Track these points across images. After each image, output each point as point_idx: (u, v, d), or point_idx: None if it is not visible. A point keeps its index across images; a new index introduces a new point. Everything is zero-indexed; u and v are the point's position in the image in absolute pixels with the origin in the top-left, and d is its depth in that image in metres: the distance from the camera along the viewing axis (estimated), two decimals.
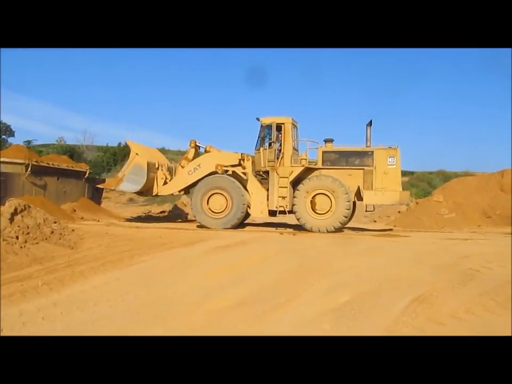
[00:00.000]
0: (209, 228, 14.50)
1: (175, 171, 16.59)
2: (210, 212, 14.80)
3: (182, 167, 15.92)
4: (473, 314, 5.21)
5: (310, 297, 5.98)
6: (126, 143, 17.81)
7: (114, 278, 6.96)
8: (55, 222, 9.60)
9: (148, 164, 15.40)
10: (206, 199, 14.82)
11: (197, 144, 16.32)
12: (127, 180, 15.46)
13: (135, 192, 16.04)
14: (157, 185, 15.86)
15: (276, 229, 15.15)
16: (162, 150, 69.12)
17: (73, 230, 10.15)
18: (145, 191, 15.93)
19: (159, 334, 4.64)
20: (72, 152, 44.30)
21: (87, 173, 18.58)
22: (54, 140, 54.88)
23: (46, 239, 8.77)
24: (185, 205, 22.63)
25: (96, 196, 19.26)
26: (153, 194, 16.12)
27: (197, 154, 16.30)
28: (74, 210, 16.92)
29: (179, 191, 16.17)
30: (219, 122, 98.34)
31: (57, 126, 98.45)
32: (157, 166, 15.89)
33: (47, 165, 16.52)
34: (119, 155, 62.94)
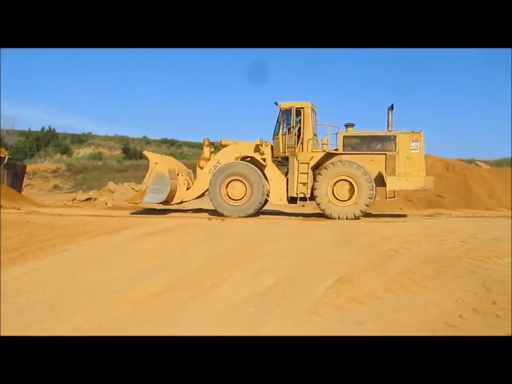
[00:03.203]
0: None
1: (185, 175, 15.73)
2: (228, 199, 14.18)
3: (201, 167, 15.21)
4: (391, 293, 5.43)
5: (235, 282, 6.02)
6: (143, 154, 16.71)
7: (35, 269, 6.72)
8: None
9: (169, 171, 14.68)
10: (225, 186, 14.18)
11: (210, 141, 15.66)
12: (151, 190, 14.41)
13: (160, 203, 14.97)
14: (180, 191, 15.04)
15: (289, 217, 14.80)
16: (89, 135, 67.58)
17: None
18: (170, 199, 14.93)
19: (81, 324, 4.55)
20: None
21: (6, 158, 17.65)
22: None
23: None
24: (112, 192, 22.11)
25: (16, 183, 18.43)
26: (178, 201, 15.25)
27: (212, 152, 15.68)
28: None
29: (205, 192, 15.28)
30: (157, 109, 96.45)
31: None
32: (177, 172, 15.07)
33: None
34: (42, 140, 60.65)
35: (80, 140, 66.07)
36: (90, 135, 69.04)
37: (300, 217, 14.46)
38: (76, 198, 22.54)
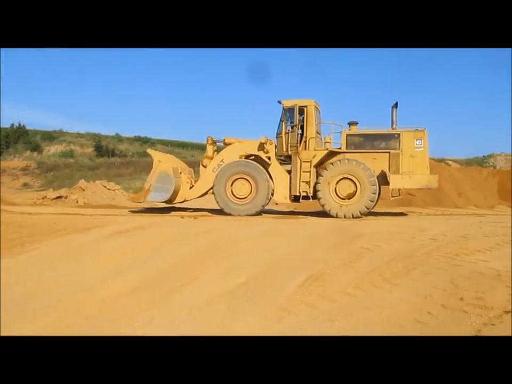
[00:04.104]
0: (230, 214, 13.64)
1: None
2: (233, 197, 13.91)
3: (205, 166, 14.82)
4: (362, 290, 5.49)
5: (207, 280, 6.01)
6: (147, 152, 16.40)
7: (3, 268, 6.58)
8: None
9: (173, 169, 14.38)
10: (230, 184, 13.92)
11: (214, 140, 15.37)
12: (155, 189, 14.06)
13: (164, 202, 14.63)
14: (183, 190, 14.67)
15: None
16: (60, 132, 66.58)
17: None
18: (173, 198, 14.59)
19: (48, 324, 4.49)
20: None
21: None
22: None
23: None
24: (84, 190, 21.79)
25: None
26: (181, 200, 14.89)
27: (215, 150, 15.39)
28: None
29: (208, 191, 14.87)
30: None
31: None
32: (180, 170, 14.71)
33: None
34: (11, 137, 59.47)
35: (51, 137, 65.02)
36: (62, 132, 68.03)
37: (277, 215, 14.47)
38: (46, 196, 22.10)
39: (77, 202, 20.25)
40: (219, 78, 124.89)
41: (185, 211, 15.07)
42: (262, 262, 6.83)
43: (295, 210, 17.47)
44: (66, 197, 21.22)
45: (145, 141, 67.35)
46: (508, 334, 4.02)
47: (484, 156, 51.38)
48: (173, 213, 14.39)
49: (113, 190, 22.93)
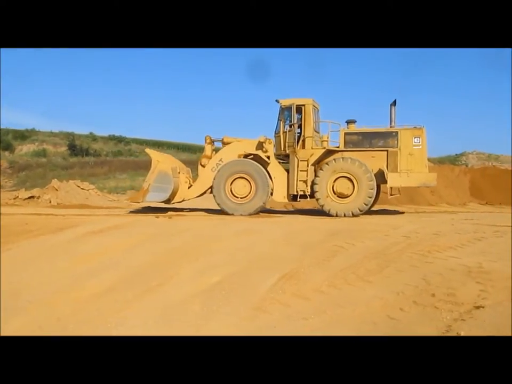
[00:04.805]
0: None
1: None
2: (233, 197, 13.84)
3: (203, 166, 14.73)
4: (335, 287, 5.54)
5: (181, 279, 5.99)
6: (145, 152, 16.10)
7: None
8: None
9: (172, 169, 14.18)
10: (229, 184, 13.85)
11: (212, 139, 15.23)
12: (153, 189, 13.87)
13: (163, 201, 14.40)
14: (182, 190, 14.55)
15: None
16: (33, 131, 65.46)
17: None
18: (172, 198, 14.35)
19: (19, 326, 4.42)
20: None
21: None
22: None
23: None
24: (57, 189, 21.48)
25: None
26: (180, 200, 14.72)
27: (213, 149, 15.24)
28: None
29: (206, 191, 14.77)
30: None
31: None
32: (178, 170, 14.55)
33: None
34: None
35: (23, 136, 63.91)
36: (34, 131, 66.87)
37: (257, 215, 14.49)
38: (18, 196, 21.71)
39: (50, 202, 19.95)
40: (219, 78, 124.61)
41: (182, 211, 14.99)
42: (236, 261, 6.83)
43: (291, 209, 17.54)
44: (38, 197, 20.87)
45: (120, 140, 66.66)
46: (478, 329, 4.11)
47: (456, 154, 52.25)
48: (149, 213, 14.27)
49: (87, 190, 22.64)
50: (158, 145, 65.76)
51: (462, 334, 4.05)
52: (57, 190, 21.72)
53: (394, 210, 16.60)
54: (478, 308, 4.55)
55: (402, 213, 15.64)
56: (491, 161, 42.75)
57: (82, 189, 22.53)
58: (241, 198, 13.88)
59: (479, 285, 5.13)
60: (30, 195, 21.30)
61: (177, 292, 5.49)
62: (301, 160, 13.78)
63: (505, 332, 4.00)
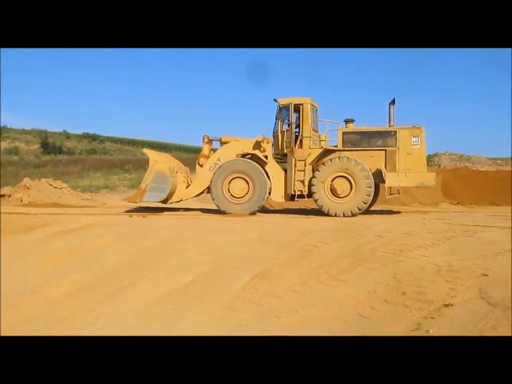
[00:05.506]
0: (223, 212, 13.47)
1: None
2: (231, 196, 13.69)
3: (201, 165, 14.54)
4: (308, 286, 5.58)
5: (154, 278, 5.96)
6: (142, 152, 16.09)
7: None
8: None
9: (169, 169, 14.00)
10: (227, 183, 13.71)
11: (210, 138, 15.05)
12: (151, 189, 13.76)
13: (161, 201, 14.14)
14: (180, 190, 14.37)
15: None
16: (4, 129, 64.21)
17: None
18: (169, 198, 14.09)
19: None
20: None
21: None
22: None
23: None
24: (28, 188, 21.12)
25: None
26: (177, 200, 14.54)
27: (211, 149, 15.03)
28: None
29: (204, 190, 14.56)
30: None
31: None
32: (176, 170, 14.38)
33: None
34: None
35: None
36: (6, 128, 65.49)
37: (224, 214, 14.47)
38: None
39: (21, 201, 19.60)
40: (219, 78, 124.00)
41: (178, 211, 14.88)
42: (210, 260, 6.82)
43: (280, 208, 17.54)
44: (9, 196, 20.48)
45: (94, 138, 65.86)
46: (447, 327, 4.19)
47: (429, 155, 52.92)
48: (123, 212, 14.16)
49: (60, 189, 22.27)
50: (133, 143, 65.31)
51: (431, 331, 4.13)
52: (28, 188, 21.34)
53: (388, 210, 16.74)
54: (447, 306, 4.63)
55: (399, 212, 15.70)
56: (463, 162, 43.38)
57: (55, 187, 22.17)
58: (239, 197, 13.80)
59: (448, 283, 5.22)
60: (0, 193, 20.94)
61: (150, 291, 5.46)
62: (298, 160, 13.69)
63: (473, 329, 4.08)
